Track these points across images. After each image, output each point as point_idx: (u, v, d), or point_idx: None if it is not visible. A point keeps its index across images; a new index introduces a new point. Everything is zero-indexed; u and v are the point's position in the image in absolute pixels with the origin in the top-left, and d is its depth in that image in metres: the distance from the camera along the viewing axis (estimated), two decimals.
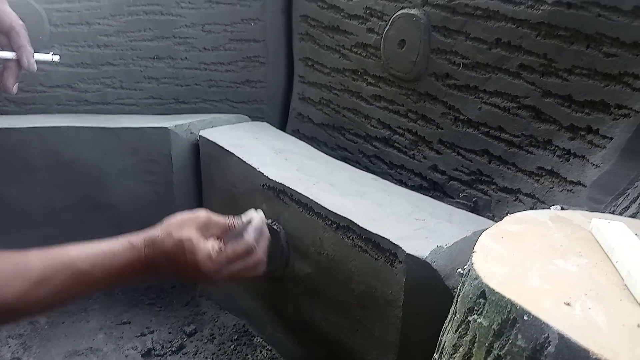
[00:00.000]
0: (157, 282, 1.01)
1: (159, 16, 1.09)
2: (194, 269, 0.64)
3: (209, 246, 0.65)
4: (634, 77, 0.63)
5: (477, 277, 0.41)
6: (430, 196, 0.90)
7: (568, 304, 0.37)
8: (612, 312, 0.37)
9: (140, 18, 1.09)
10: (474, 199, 0.85)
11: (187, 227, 0.66)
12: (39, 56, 0.66)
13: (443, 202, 0.89)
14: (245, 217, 0.69)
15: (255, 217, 0.69)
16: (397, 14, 0.87)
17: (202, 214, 0.69)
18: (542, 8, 0.69)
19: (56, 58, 0.69)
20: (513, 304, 0.37)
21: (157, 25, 1.09)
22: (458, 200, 0.88)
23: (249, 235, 0.66)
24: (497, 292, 0.39)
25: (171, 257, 0.65)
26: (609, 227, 0.49)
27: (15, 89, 0.65)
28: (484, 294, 0.40)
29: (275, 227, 0.77)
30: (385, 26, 0.90)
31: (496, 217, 0.81)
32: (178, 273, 0.66)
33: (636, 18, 0.62)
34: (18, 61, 0.64)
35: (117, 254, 0.62)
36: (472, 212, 0.85)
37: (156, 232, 0.67)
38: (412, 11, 0.85)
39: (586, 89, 0.68)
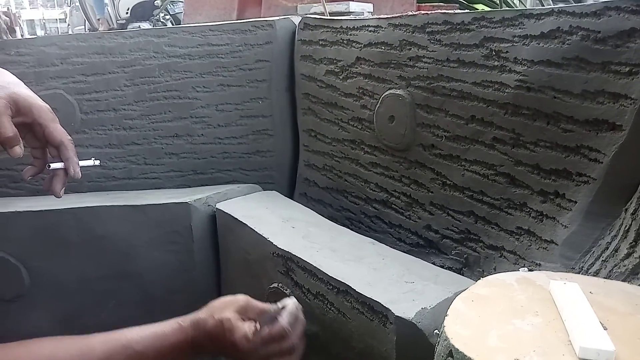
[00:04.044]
0: None
1: (177, 100, 1.22)
2: (232, 348, 0.71)
3: (246, 327, 0.72)
4: (589, 149, 0.73)
5: (446, 338, 0.50)
6: (427, 252, 0.99)
7: None
8: None
9: (161, 102, 1.22)
10: (465, 256, 0.94)
11: (227, 309, 0.74)
12: (82, 163, 0.78)
13: (438, 258, 0.98)
14: (280, 303, 0.76)
15: (290, 303, 0.76)
16: (385, 93, 0.99)
17: (241, 297, 0.77)
18: (506, 91, 0.80)
19: (97, 162, 0.81)
20: None
21: (176, 108, 1.22)
22: (451, 256, 0.96)
23: (283, 319, 0.73)
24: (460, 351, 0.47)
25: (213, 337, 0.72)
26: (563, 288, 0.57)
27: (62, 193, 0.77)
28: (451, 353, 0.49)
29: (285, 290, 0.86)
30: (376, 104, 1.01)
31: (485, 272, 0.89)
32: (219, 352, 0.73)
33: (585, 100, 0.72)
34: (66, 170, 0.76)
35: (168, 335, 0.72)
36: (464, 268, 0.94)
37: (201, 314, 0.75)
38: (398, 91, 0.96)
39: (551, 159, 0.78)
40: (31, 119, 0.74)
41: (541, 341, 0.49)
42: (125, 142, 1.24)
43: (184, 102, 1.22)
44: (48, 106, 0.76)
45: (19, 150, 0.72)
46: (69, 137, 0.77)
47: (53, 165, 0.76)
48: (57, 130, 0.75)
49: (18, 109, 0.73)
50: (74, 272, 1.05)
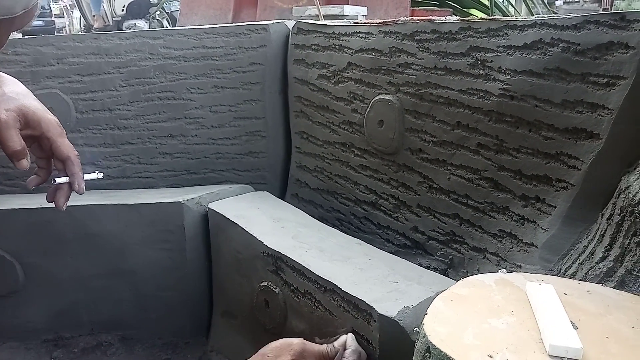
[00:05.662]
0: (172, 338, 1.12)
1: (171, 101, 1.24)
2: None
3: None
4: (568, 156, 0.76)
5: (425, 335, 0.53)
6: (413, 254, 1.02)
7: (490, 357, 0.48)
8: None
9: (156, 103, 1.24)
10: (449, 257, 0.96)
11: (283, 357, 0.67)
12: (87, 177, 0.79)
13: (424, 259, 1.00)
14: (338, 343, 0.71)
15: (350, 340, 0.71)
16: (375, 98, 1.01)
17: (296, 342, 0.69)
18: (490, 99, 0.83)
19: (100, 175, 0.82)
20: (448, 358, 0.49)
21: (170, 109, 1.24)
22: (436, 257, 0.99)
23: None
24: (437, 348, 0.50)
25: None
26: (538, 289, 0.60)
27: (65, 206, 0.77)
28: (429, 349, 0.52)
29: (274, 288, 0.88)
30: (367, 108, 1.04)
31: (469, 273, 0.92)
32: None
33: (565, 109, 0.75)
34: (70, 184, 0.77)
35: None
36: (449, 269, 0.97)
37: None
38: (388, 97, 0.99)
39: (532, 165, 0.80)
40: (39, 132, 0.74)
41: (514, 339, 0.52)
42: (119, 142, 1.26)
43: (178, 103, 1.24)
44: (57, 119, 0.76)
45: (25, 163, 0.72)
46: (76, 152, 0.77)
47: (58, 180, 0.76)
48: (65, 145, 0.75)
49: (27, 122, 0.72)
50: (68, 269, 1.07)
